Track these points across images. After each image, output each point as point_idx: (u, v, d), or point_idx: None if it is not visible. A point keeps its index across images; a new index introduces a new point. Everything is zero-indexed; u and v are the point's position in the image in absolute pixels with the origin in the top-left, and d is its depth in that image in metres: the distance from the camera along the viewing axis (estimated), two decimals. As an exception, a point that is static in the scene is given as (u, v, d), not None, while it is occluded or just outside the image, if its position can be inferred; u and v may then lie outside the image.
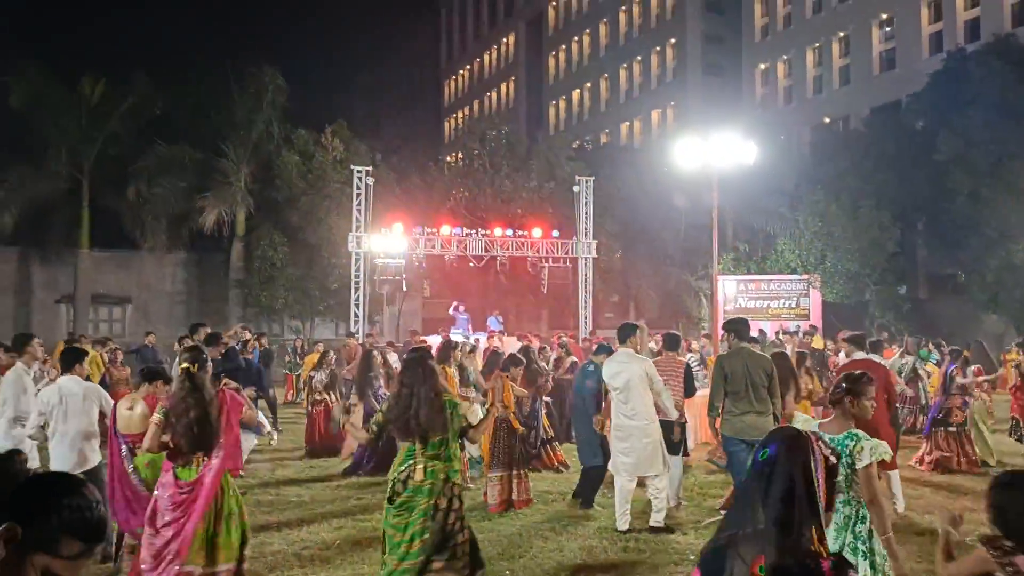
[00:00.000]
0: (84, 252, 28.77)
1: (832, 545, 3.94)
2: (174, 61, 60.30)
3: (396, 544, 5.11)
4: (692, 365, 10.51)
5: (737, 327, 7.73)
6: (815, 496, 2.24)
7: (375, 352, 12.18)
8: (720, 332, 20.59)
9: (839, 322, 25.05)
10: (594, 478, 8.53)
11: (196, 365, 5.34)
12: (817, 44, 41.03)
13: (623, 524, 7.57)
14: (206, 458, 5.23)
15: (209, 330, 9.64)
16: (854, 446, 4.13)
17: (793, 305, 24.91)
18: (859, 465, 4.09)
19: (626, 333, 7.97)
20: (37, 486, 1.90)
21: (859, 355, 8.88)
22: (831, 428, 4.27)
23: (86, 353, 7.35)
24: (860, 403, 4.32)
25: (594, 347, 10.67)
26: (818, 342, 17.14)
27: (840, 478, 3.97)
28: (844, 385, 4.35)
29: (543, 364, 11.90)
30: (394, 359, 16.88)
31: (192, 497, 5.13)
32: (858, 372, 4.54)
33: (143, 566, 5.07)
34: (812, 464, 2.27)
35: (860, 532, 4.16)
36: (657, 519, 7.60)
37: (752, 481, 2.27)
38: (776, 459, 2.25)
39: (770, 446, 2.30)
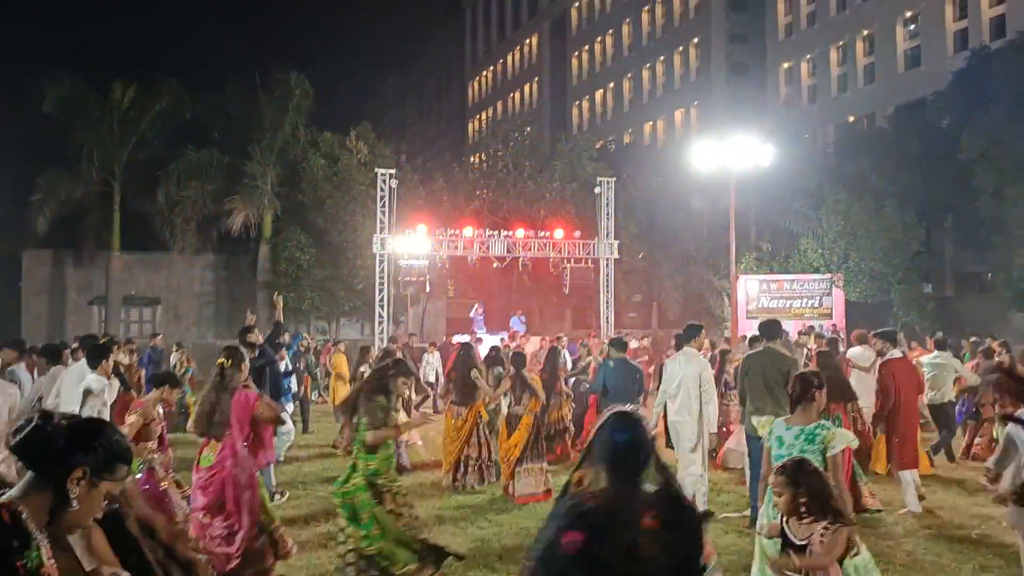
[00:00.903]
0: (115, 254, 29.37)
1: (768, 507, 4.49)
2: (203, 67, 61.24)
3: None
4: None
5: (766, 329, 8.19)
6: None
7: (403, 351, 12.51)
8: (740, 333, 20.75)
9: (863, 321, 25.04)
10: None
11: (231, 362, 6.18)
12: (841, 42, 40.85)
13: None
14: (218, 443, 5.94)
15: (256, 334, 9.78)
16: (826, 435, 4.47)
17: (816, 304, 24.90)
18: (831, 453, 4.42)
19: (691, 334, 8.42)
20: (86, 430, 2.32)
21: (895, 353, 8.93)
22: (800, 420, 4.63)
23: (110, 349, 7.60)
24: (822, 395, 4.76)
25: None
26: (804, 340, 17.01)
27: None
28: (815, 381, 4.75)
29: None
30: (436, 359, 17.23)
31: (218, 486, 5.75)
32: (814, 371, 5.11)
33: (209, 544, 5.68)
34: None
35: None
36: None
37: (621, 453, 2.67)
38: (636, 438, 2.69)
39: (628, 430, 2.71)
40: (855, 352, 10.98)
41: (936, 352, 11.57)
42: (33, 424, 2.25)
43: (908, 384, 8.63)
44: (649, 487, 2.65)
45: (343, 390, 12.74)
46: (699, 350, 8.39)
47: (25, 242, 30.20)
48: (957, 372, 11.35)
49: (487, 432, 10.06)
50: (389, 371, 6.19)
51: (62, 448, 2.23)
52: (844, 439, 4.55)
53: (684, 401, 8.03)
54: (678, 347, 8.89)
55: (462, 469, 9.63)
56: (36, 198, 27.65)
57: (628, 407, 2.86)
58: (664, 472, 2.71)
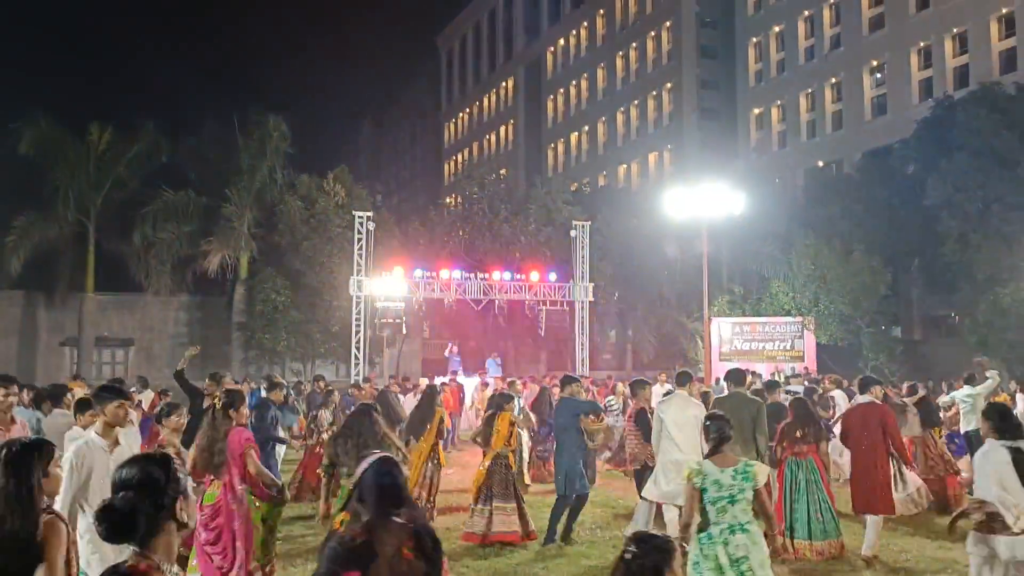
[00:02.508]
0: (89, 296, 29.18)
1: (755, 559, 4.85)
2: (181, 110, 61.55)
3: None
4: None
5: (731, 376, 8.97)
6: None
7: (389, 393, 12.65)
8: (714, 375, 21.01)
9: (833, 364, 25.39)
10: (576, 508, 9.11)
11: (223, 403, 6.63)
12: (810, 90, 41.87)
13: None
14: (217, 481, 6.29)
15: (229, 379, 10.02)
16: (754, 470, 5.03)
17: (788, 347, 25.27)
18: (757, 486, 4.98)
19: (685, 379, 9.14)
20: (166, 459, 2.57)
21: (861, 399, 9.07)
22: (728, 462, 5.07)
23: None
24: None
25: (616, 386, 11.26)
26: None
27: (743, 502, 4.92)
28: (730, 423, 5.29)
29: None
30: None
31: (221, 520, 6.18)
32: (719, 413, 5.57)
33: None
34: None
35: (763, 547, 4.96)
36: None
37: (385, 493, 3.11)
38: (397, 480, 3.17)
39: (391, 473, 3.17)
40: (838, 395, 11.49)
41: (966, 388, 12.45)
42: (137, 476, 2.46)
43: (874, 428, 8.69)
44: (401, 521, 3.05)
45: None
46: (690, 395, 8.94)
47: (-3, 283, 29.94)
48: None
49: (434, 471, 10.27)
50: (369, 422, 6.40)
51: (164, 483, 2.47)
52: (765, 472, 5.09)
53: (692, 442, 8.33)
54: (679, 385, 9.33)
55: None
56: (10, 240, 27.48)
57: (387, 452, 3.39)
58: (413, 508, 3.18)
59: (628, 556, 2.81)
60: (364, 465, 3.19)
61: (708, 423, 5.35)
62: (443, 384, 18.09)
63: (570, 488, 8.89)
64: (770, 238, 27.88)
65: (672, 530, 8.62)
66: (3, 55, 71.86)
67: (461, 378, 22.22)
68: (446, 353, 25.66)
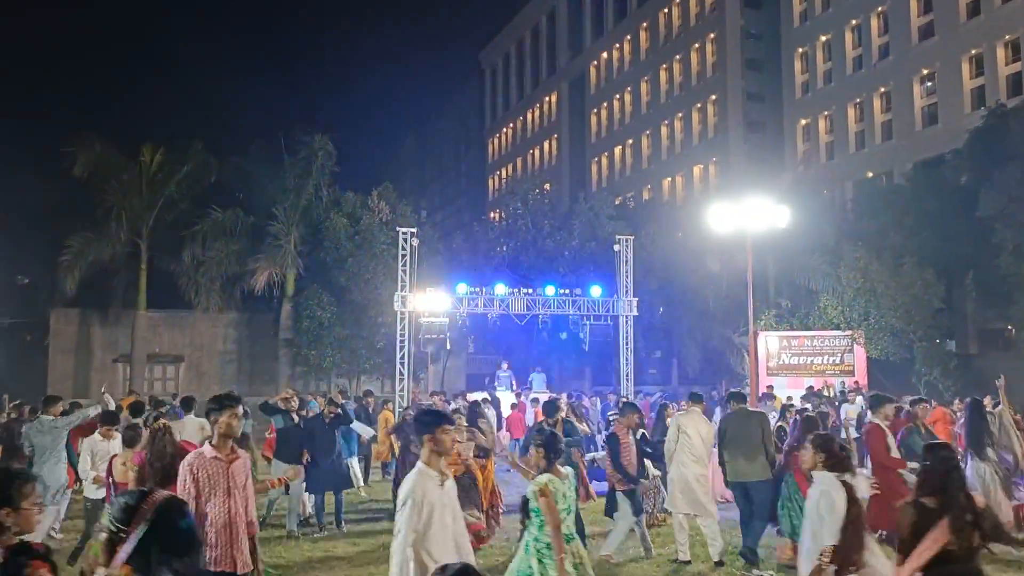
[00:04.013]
0: (141, 313, 29.78)
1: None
2: (228, 130, 62.76)
3: None
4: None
5: (734, 396, 9.82)
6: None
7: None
8: (760, 390, 20.69)
9: (885, 378, 24.86)
10: None
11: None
12: (859, 100, 41.24)
13: (685, 555, 9.04)
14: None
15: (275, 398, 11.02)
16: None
17: (837, 361, 24.79)
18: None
19: (700, 398, 10.02)
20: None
21: (872, 419, 9.42)
22: (565, 474, 5.34)
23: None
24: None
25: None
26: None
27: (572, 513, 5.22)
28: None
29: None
30: (492, 415, 17.42)
31: None
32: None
33: None
34: None
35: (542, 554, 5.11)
36: (715, 552, 8.90)
37: (184, 538, 2.74)
38: (192, 523, 2.79)
39: (188, 515, 2.79)
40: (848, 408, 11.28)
41: None
42: None
43: (879, 450, 8.86)
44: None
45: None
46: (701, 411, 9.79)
47: (54, 302, 30.72)
48: None
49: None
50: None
51: None
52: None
53: (705, 455, 9.33)
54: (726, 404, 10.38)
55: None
56: (65, 259, 28.18)
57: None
58: (198, 553, 2.88)
59: None
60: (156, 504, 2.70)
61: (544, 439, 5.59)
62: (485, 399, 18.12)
63: None
64: (818, 251, 27.42)
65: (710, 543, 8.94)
66: (58, 80, 74.12)
67: (499, 393, 22.10)
68: (498, 371, 25.61)
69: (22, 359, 33.32)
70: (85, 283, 28.96)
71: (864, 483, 5.68)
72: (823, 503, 5.19)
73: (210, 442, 5.15)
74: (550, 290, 24.97)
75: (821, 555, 4.99)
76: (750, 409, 9.56)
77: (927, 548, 4.24)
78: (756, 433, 8.93)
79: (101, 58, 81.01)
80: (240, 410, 5.33)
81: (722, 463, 9.25)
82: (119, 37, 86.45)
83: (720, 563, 8.79)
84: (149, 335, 30.48)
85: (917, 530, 4.32)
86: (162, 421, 7.21)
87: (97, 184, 28.82)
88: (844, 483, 5.19)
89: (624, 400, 10.67)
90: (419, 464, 4.75)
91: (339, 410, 11.59)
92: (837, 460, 5.32)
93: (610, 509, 9.48)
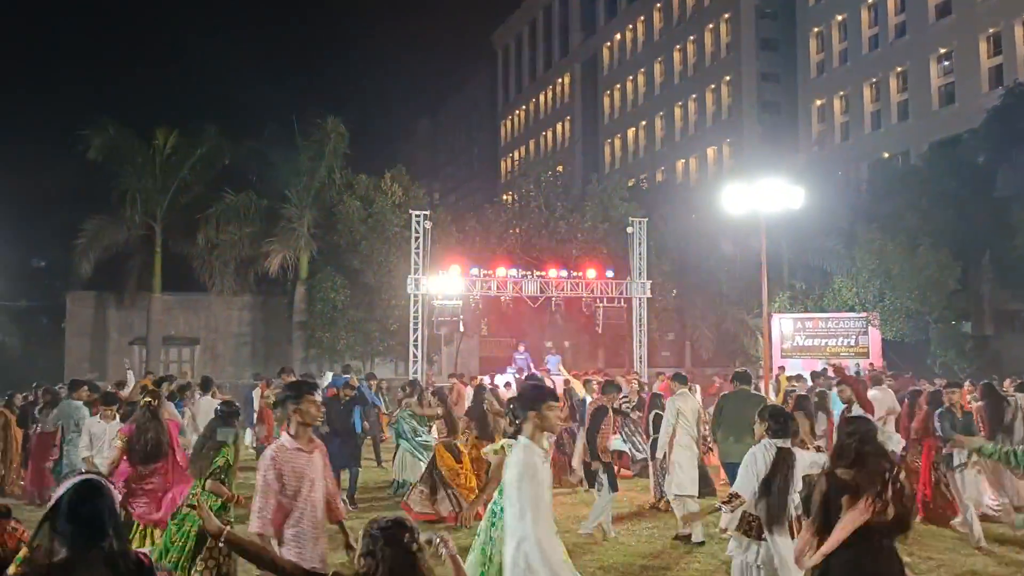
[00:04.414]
0: (156, 296, 29.95)
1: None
2: (242, 113, 62.73)
3: None
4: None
5: (737, 376, 9.89)
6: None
7: (487, 390, 12.97)
8: (773, 371, 20.64)
9: (900, 360, 24.76)
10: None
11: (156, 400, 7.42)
12: (875, 79, 40.82)
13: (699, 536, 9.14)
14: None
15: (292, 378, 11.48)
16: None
17: (852, 343, 24.71)
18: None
19: (684, 379, 10.49)
20: None
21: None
22: None
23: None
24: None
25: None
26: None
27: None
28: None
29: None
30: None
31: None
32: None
33: None
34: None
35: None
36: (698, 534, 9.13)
37: (84, 522, 2.80)
38: (99, 507, 2.82)
39: (90, 500, 2.83)
40: (872, 395, 11.02)
41: None
42: None
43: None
44: (106, 549, 2.77)
45: None
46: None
47: (69, 285, 30.93)
48: None
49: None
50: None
51: None
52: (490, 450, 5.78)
53: (693, 433, 9.72)
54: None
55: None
56: (81, 242, 28.35)
57: (92, 475, 3.03)
58: (121, 536, 2.85)
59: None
60: (60, 491, 2.85)
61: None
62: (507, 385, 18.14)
63: None
64: (833, 233, 27.26)
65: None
66: (72, 63, 74.30)
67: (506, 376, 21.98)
68: (515, 353, 25.63)
69: (39, 341, 33.62)
70: (100, 266, 29.15)
71: (812, 458, 5.71)
72: (747, 459, 5.58)
73: (288, 432, 4.82)
74: (563, 272, 24.97)
75: (722, 499, 5.31)
76: (751, 392, 9.52)
77: (845, 526, 4.18)
78: (749, 417, 8.79)
79: (115, 42, 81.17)
80: (319, 396, 5.05)
81: (715, 440, 9.60)
82: (133, 21, 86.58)
83: (702, 543, 9.04)
84: (164, 318, 30.66)
85: (827, 500, 4.30)
86: (146, 399, 7.33)
87: (112, 168, 28.93)
88: (781, 449, 5.44)
89: (607, 379, 10.92)
90: (523, 439, 4.62)
91: (354, 392, 11.78)
92: (780, 428, 5.65)
93: (592, 482, 9.93)
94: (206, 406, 11.94)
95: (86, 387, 11.51)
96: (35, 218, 32.23)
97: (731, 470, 8.88)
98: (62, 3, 78.40)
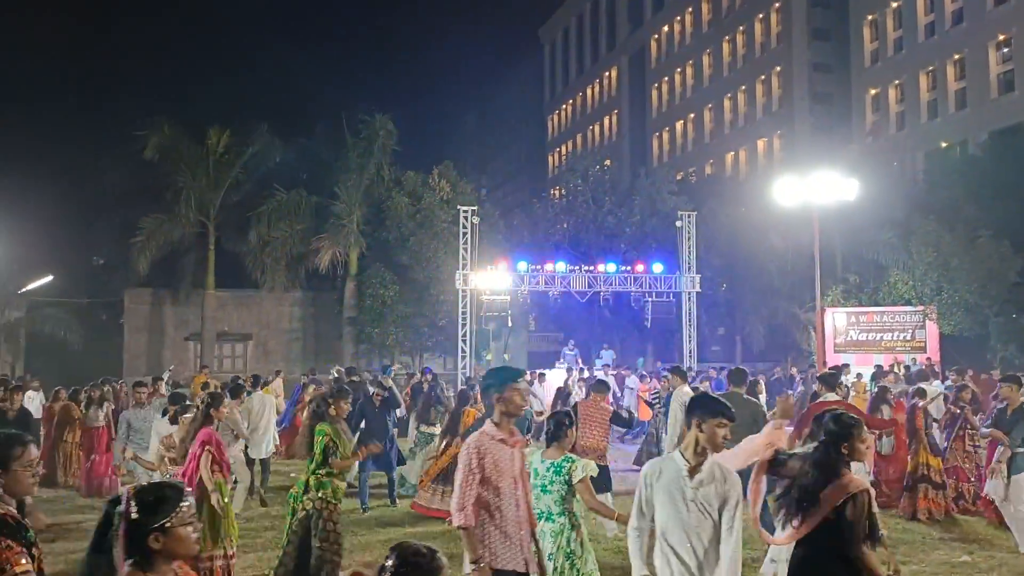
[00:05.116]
0: (210, 293, 30.53)
1: (548, 548, 5.04)
2: (292, 112, 63.40)
3: None
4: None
5: (732, 375, 9.51)
6: None
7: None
8: (828, 367, 20.27)
9: (958, 354, 24.14)
10: None
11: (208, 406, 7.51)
12: (931, 68, 39.81)
13: None
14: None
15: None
16: (570, 467, 5.26)
17: (908, 337, 24.18)
18: (574, 480, 5.22)
19: (683, 373, 10.47)
20: None
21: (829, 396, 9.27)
22: (553, 455, 5.36)
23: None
24: (572, 432, 5.63)
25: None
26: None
27: (554, 494, 5.18)
28: (567, 421, 5.52)
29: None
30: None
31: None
32: (565, 411, 6.18)
33: None
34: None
35: (571, 539, 5.18)
36: None
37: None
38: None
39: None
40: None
41: None
42: None
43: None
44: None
45: None
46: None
47: (127, 282, 31.68)
48: None
49: None
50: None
51: None
52: (585, 468, 5.27)
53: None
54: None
55: None
56: (138, 240, 29.00)
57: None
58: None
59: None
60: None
61: (548, 419, 5.66)
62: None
63: None
64: (887, 225, 26.66)
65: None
66: (128, 65, 75.98)
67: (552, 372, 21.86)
68: (564, 349, 25.65)
69: (99, 337, 34.49)
70: (157, 263, 29.81)
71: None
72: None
73: (491, 420, 4.49)
74: (611, 267, 24.86)
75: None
76: (745, 397, 8.86)
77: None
78: (748, 423, 8.19)
79: (168, 42, 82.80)
80: (525, 384, 4.70)
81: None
82: (186, 22, 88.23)
83: None
84: (218, 314, 31.25)
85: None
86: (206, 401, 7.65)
87: (167, 167, 29.55)
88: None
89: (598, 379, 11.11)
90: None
91: (386, 393, 11.69)
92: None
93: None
94: (257, 402, 12.21)
95: (147, 388, 11.97)
96: (95, 217, 33.00)
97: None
98: (119, 6, 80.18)
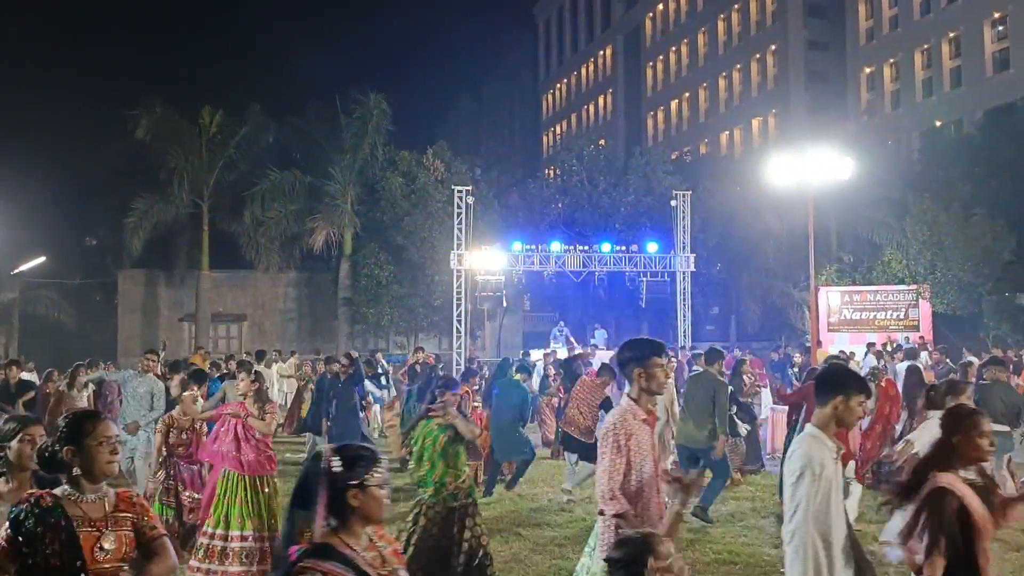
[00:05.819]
0: (204, 273, 30.47)
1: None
2: (285, 91, 62.99)
3: None
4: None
5: (708, 356, 9.84)
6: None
7: None
8: (821, 346, 20.34)
9: (951, 333, 24.24)
10: (522, 469, 10.30)
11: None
12: (926, 46, 39.69)
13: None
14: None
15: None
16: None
17: (901, 316, 24.22)
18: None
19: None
20: None
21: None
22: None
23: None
24: None
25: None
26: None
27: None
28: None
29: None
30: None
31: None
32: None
33: None
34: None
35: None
36: None
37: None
38: None
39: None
40: (900, 367, 11.32)
41: None
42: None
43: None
44: None
45: None
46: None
47: (121, 263, 31.61)
48: None
49: None
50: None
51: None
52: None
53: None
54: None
55: None
56: (131, 221, 28.89)
57: None
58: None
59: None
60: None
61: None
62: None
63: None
64: (882, 204, 26.66)
65: None
66: (119, 44, 75.38)
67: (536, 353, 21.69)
68: (554, 329, 25.65)
69: (93, 318, 34.47)
70: (150, 244, 29.73)
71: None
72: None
73: (629, 396, 4.13)
74: (606, 247, 24.85)
75: None
76: (710, 375, 9.25)
77: None
78: (707, 403, 8.83)
79: (160, 22, 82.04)
80: (668, 358, 4.28)
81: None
82: (179, 2, 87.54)
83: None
84: (212, 295, 31.19)
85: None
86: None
87: (159, 147, 29.41)
88: None
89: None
90: (811, 428, 3.83)
91: (351, 369, 11.55)
92: None
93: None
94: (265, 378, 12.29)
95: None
96: (87, 198, 32.90)
97: (687, 452, 8.97)
98: (108, -15, 79.49)
